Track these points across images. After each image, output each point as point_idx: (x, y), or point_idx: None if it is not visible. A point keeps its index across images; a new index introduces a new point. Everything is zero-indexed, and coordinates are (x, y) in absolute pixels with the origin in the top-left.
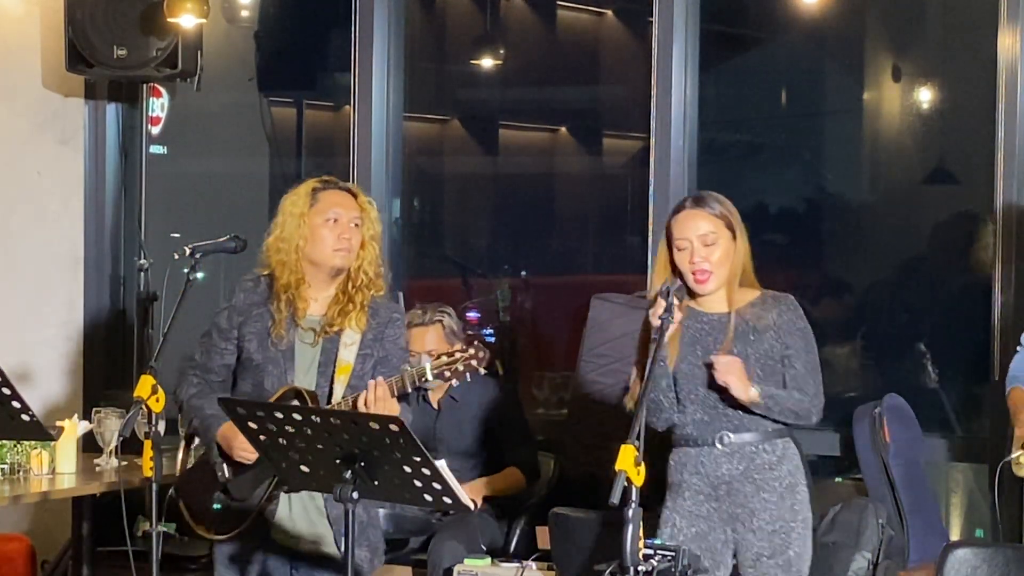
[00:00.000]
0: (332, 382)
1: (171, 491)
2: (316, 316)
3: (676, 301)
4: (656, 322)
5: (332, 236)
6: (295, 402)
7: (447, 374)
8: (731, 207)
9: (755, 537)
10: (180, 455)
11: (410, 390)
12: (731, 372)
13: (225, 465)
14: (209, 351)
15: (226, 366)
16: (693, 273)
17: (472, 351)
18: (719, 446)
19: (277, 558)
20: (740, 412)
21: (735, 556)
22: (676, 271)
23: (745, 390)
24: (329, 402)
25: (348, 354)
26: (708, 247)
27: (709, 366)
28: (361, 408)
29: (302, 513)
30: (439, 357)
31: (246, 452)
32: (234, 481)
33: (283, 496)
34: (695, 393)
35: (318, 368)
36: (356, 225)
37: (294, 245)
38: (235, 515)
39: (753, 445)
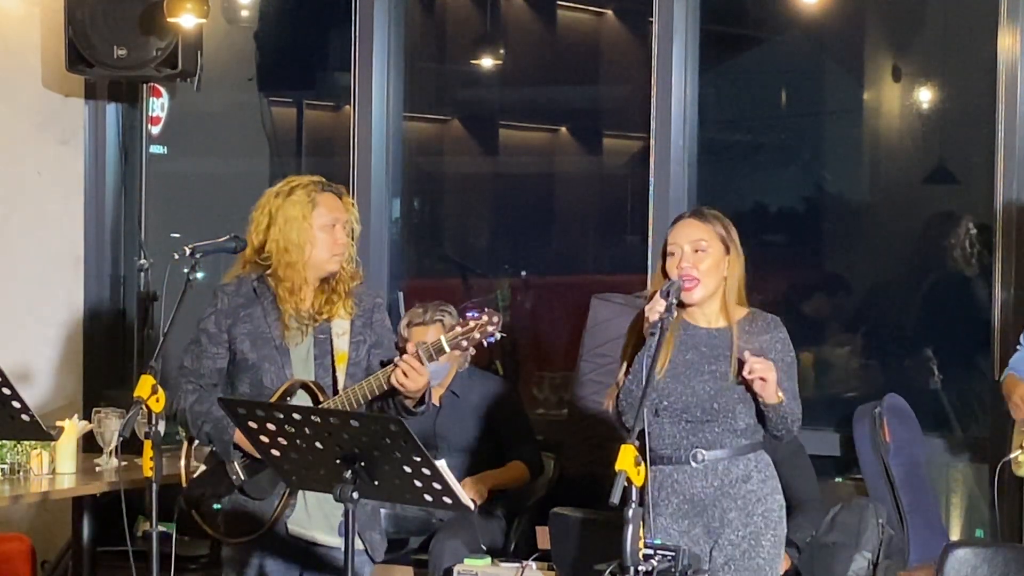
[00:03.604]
0: (334, 372)
1: (180, 500)
2: (305, 310)
3: (675, 300)
4: (654, 317)
5: (330, 241)
6: (301, 394)
7: (464, 343)
8: (730, 227)
9: (726, 544)
10: (183, 461)
11: (426, 363)
12: (769, 372)
13: (238, 467)
14: (200, 357)
15: (218, 370)
16: (680, 278)
17: (485, 318)
18: (693, 464)
19: (286, 559)
20: (713, 427)
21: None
22: (667, 279)
23: (775, 393)
24: (336, 392)
25: (342, 343)
26: (697, 253)
27: (741, 364)
28: (395, 382)
29: (317, 505)
30: (452, 329)
31: None
32: (250, 482)
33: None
34: (674, 404)
35: (315, 360)
36: (344, 228)
37: (302, 249)
38: (250, 517)
39: (726, 461)
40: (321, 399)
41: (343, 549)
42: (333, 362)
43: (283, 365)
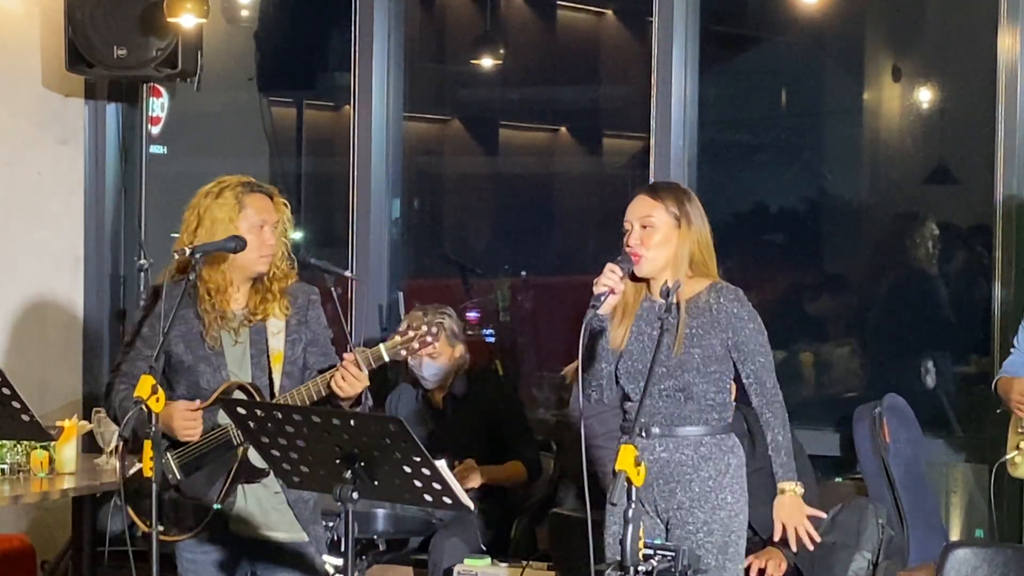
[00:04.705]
0: (270, 372)
1: (114, 498)
2: (238, 310)
3: (619, 271)
4: (597, 289)
5: (258, 242)
6: (238, 395)
7: (403, 352)
8: (685, 200)
9: (678, 529)
10: (118, 459)
11: (364, 371)
12: (792, 519)
13: (174, 465)
14: (134, 360)
15: (152, 372)
16: (630, 255)
17: (425, 328)
18: (644, 438)
19: (238, 553)
20: (669, 403)
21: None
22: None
23: (798, 509)
24: (272, 392)
25: (277, 342)
26: (645, 230)
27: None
28: (335, 386)
29: (256, 502)
30: (393, 338)
31: (188, 431)
32: (186, 480)
33: (239, 488)
34: (636, 377)
35: (251, 360)
36: (274, 229)
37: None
38: (191, 513)
39: (684, 439)
40: (258, 400)
41: (293, 540)
42: (269, 362)
43: (219, 366)
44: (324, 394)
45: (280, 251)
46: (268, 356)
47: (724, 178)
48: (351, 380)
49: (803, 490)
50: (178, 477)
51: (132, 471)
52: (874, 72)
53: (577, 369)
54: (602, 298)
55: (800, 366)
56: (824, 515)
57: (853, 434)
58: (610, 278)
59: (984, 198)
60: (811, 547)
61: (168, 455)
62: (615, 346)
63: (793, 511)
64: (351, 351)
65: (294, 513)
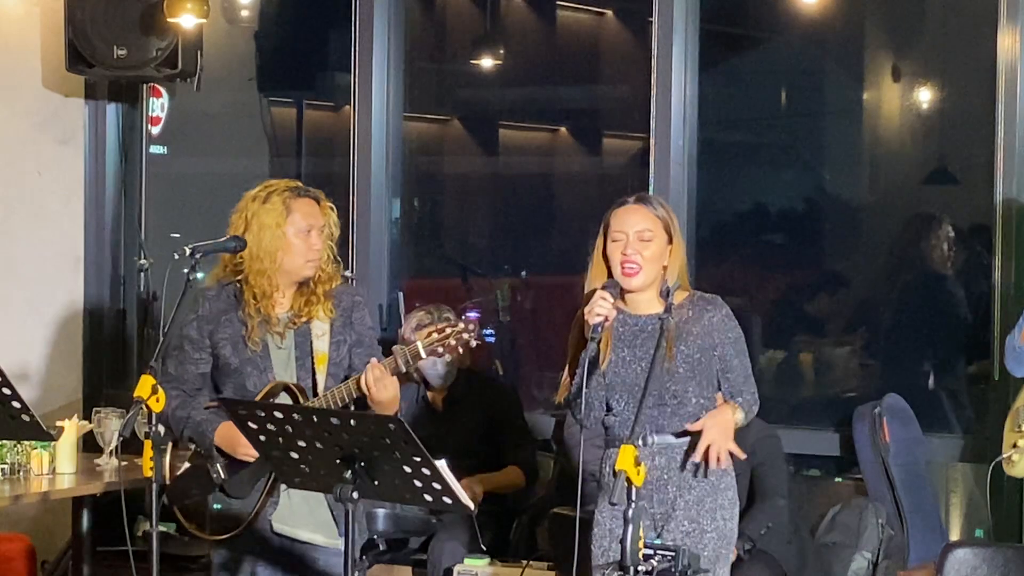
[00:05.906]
0: (314, 373)
1: (163, 498)
2: (283, 314)
3: (611, 298)
4: (594, 320)
5: (305, 247)
6: (284, 396)
7: (440, 349)
8: (672, 214)
9: (673, 532)
10: (167, 459)
11: (403, 369)
12: (720, 438)
13: (219, 465)
14: (183, 363)
15: (201, 375)
16: (622, 264)
17: (462, 325)
18: (641, 445)
19: (272, 556)
20: (665, 411)
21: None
22: (607, 265)
23: (730, 429)
24: (316, 393)
25: (322, 344)
26: (643, 243)
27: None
28: (363, 384)
29: (302, 502)
30: (430, 335)
31: (251, 449)
32: (230, 481)
33: (282, 489)
34: (624, 394)
35: (296, 362)
36: (321, 233)
37: (273, 256)
38: (234, 514)
39: (678, 447)
40: (302, 401)
41: (328, 547)
42: (313, 363)
43: (265, 368)
44: (355, 395)
45: (326, 254)
46: (312, 358)
47: (724, 178)
48: (380, 384)
49: (742, 419)
50: (222, 477)
51: (180, 471)
52: (874, 72)
53: (568, 391)
54: (599, 328)
55: (800, 366)
56: (743, 454)
57: (853, 434)
58: (603, 306)
59: (984, 198)
60: (721, 466)
61: (215, 454)
62: (602, 364)
63: (724, 430)
64: (392, 351)
65: (332, 516)
